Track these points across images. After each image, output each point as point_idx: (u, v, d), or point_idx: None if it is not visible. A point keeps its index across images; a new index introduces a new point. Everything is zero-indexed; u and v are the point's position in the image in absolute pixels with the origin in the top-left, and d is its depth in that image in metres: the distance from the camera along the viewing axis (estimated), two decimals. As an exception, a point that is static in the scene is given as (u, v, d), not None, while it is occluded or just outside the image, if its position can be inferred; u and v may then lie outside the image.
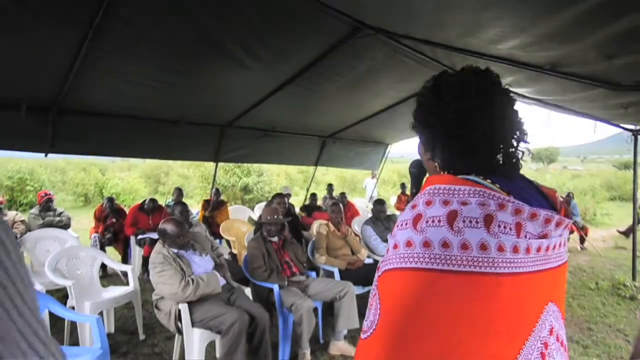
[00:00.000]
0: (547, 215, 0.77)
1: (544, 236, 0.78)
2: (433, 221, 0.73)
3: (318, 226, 4.30)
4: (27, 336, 0.36)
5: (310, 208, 7.32)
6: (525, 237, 0.75)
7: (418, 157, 1.05)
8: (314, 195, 7.73)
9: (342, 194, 7.47)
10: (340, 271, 3.91)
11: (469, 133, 0.84)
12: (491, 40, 2.62)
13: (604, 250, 7.53)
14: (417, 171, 1.14)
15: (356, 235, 4.69)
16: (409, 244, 0.74)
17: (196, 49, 3.34)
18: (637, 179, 5.24)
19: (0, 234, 0.38)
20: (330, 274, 3.97)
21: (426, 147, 0.93)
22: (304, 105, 5.22)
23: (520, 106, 0.96)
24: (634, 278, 5.30)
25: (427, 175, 1.00)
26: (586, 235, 7.61)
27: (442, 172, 0.88)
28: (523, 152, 0.88)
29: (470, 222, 0.72)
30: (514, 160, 0.87)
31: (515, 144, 0.87)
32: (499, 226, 0.72)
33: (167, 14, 2.80)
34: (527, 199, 0.78)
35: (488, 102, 0.85)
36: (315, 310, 3.27)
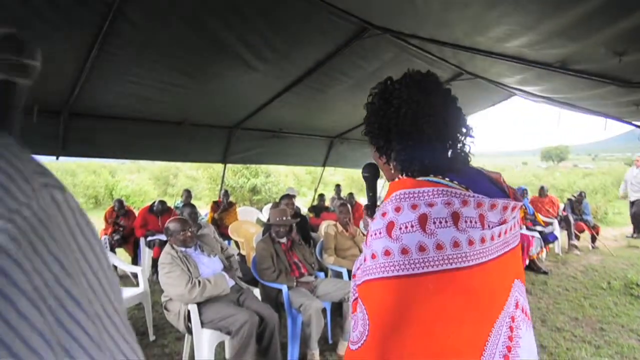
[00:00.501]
0: (504, 203, 0.84)
1: (503, 222, 0.85)
2: (406, 227, 0.77)
3: (326, 227, 4.31)
4: (120, 344, 0.38)
5: (318, 209, 7.32)
6: (489, 226, 0.81)
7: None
8: (321, 196, 7.72)
9: (350, 195, 7.45)
10: (349, 271, 3.90)
11: (421, 135, 0.89)
12: (498, 38, 2.60)
13: (616, 250, 7.42)
14: (371, 175, 1.17)
15: (364, 235, 4.68)
16: (387, 252, 0.77)
17: (202, 50, 3.36)
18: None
19: (91, 238, 0.39)
20: (338, 275, 3.97)
21: (380, 152, 0.97)
22: (312, 106, 5.23)
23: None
24: (646, 277, 5.22)
25: (382, 178, 1.08)
26: (597, 234, 7.51)
27: (399, 175, 0.93)
28: (470, 146, 0.95)
29: (441, 222, 0.76)
30: (463, 155, 0.94)
31: (462, 139, 0.94)
32: (466, 222, 0.78)
33: (173, 17, 2.82)
34: (482, 190, 0.84)
35: (434, 103, 0.90)
36: (324, 310, 3.28)
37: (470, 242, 0.77)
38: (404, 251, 0.75)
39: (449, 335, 0.76)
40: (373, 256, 0.79)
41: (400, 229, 0.77)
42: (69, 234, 0.36)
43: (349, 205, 4.49)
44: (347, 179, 20.46)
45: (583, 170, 33.59)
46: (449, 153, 0.92)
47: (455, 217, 0.77)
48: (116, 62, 3.28)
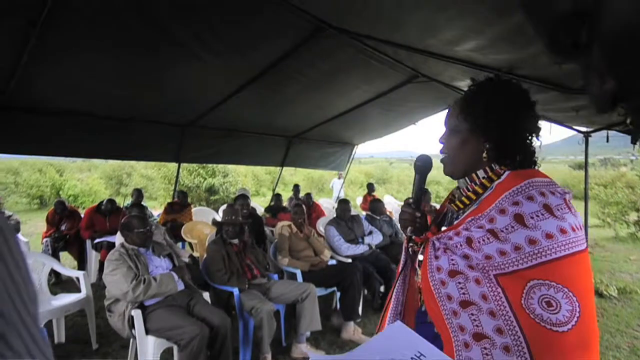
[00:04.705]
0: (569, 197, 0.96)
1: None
2: (561, 208, 0.89)
3: (280, 228, 4.24)
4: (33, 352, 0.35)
5: (275, 209, 7.22)
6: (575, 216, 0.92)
7: (424, 154, 1.17)
8: (278, 196, 7.63)
9: (308, 195, 7.42)
10: (303, 273, 3.86)
11: (519, 136, 1.04)
12: (449, 41, 2.65)
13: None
14: (425, 166, 1.14)
15: (321, 235, 4.66)
16: (573, 229, 0.87)
17: (153, 44, 3.21)
18: (589, 178, 5.51)
19: (9, 239, 0.36)
20: (293, 276, 3.92)
21: (480, 134, 1.02)
22: (269, 105, 5.14)
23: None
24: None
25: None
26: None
27: (490, 161, 1.01)
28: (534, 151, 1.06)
29: (560, 209, 0.90)
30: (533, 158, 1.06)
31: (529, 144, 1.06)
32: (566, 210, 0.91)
33: (117, 3, 2.66)
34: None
35: (530, 115, 1.06)
36: (277, 313, 3.22)
37: (573, 229, 0.88)
38: (573, 229, 0.87)
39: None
40: (549, 236, 0.84)
41: (559, 209, 0.88)
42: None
43: (303, 206, 4.45)
44: (307, 179, 20.45)
45: (531, 172, 35.36)
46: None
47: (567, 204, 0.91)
48: (58, 52, 3.06)
